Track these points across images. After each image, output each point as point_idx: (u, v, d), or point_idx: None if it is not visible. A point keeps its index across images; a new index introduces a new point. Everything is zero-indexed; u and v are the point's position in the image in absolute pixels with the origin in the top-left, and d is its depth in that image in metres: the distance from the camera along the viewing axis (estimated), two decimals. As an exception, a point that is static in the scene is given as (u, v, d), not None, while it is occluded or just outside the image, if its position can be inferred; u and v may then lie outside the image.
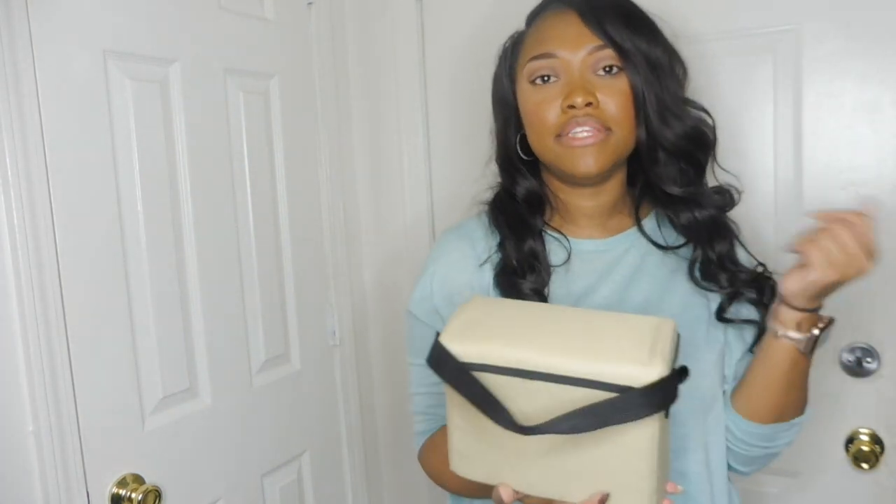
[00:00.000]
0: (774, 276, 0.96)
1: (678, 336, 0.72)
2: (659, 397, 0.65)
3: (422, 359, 0.99)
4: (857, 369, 1.30)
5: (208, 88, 1.28)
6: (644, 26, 0.91)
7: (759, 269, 0.98)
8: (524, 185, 0.99)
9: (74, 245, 1.06)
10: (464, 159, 1.53)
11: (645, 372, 0.65)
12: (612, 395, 0.65)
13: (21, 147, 0.99)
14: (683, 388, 0.85)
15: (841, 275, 0.78)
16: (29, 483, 1.02)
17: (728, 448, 0.96)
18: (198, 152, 1.26)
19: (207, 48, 1.28)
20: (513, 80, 0.97)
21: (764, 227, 1.33)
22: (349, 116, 1.65)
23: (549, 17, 0.93)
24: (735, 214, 1.00)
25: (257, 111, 1.40)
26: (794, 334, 0.85)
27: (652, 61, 0.89)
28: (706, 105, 0.97)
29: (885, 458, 1.29)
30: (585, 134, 0.87)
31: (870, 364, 1.29)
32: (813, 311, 0.85)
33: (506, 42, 1.00)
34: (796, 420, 0.92)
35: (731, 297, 0.94)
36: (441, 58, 1.57)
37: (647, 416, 0.65)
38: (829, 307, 1.30)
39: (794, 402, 0.91)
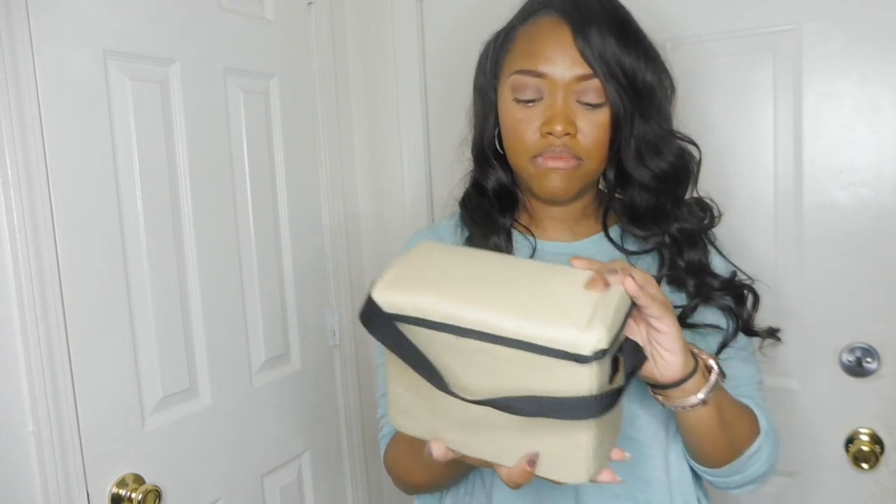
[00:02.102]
0: (753, 283, 0.94)
1: (630, 303, 0.69)
2: (603, 405, 0.63)
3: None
4: (857, 369, 1.30)
5: (208, 88, 1.28)
6: (634, 42, 0.89)
7: (737, 276, 0.95)
8: (495, 178, 0.98)
9: (74, 245, 1.06)
10: (464, 159, 1.53)
11: (582, 337, 0.62)
12: (546, 357, 0.63)
13: (21, 147, 0.99)
14: (646, 397, 0.84)
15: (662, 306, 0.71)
16: (29, 483, 1.02)
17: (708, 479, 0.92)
18: (198, 152, 1.26)
19: (207, 48, 1.28)
20: (496, 77, 0.96)
21: (764, 228, 1.33)
22: (349, 116, 1.65)
23: (541, 26, 0.90)
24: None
25: (257, 111, 1.40)
26: (691, 401, 0.77)
27: (638, 87, 0.88)
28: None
29: (885, 458, 1.29)
30: (557, 157, 0.87)
31: (870, 364, 1.29)
32: (691, 375, 0.75)
33: (498, 35, 0.97)
34: (755, 445, 0.86)
35: (696, 305, 0.91)
36: (441, 57, 1.57)
37: (587, 418, 0.63)
38: (827, 308, 1.31)
39: (738, 437, 0.85)
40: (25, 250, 0.99)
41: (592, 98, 0.87)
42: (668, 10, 1.34)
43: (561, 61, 0.87)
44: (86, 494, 1.07)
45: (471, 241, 0.96)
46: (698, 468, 0.90)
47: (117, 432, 1.12)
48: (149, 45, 1.17)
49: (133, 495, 1.12)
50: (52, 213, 1.03)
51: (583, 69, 0.86)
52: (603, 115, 0.87)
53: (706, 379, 0.77)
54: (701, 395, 0.76)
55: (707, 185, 0.98)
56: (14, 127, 0.98)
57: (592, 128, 0.87)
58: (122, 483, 1.12)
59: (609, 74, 0.86)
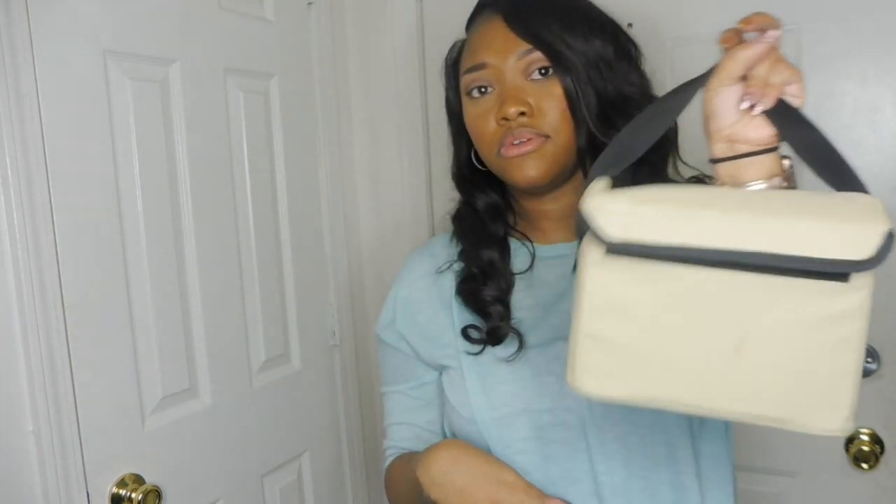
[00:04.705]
0: None
1: None
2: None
3: (395, 385, 0.98)
4: (857, 369, 1.30)
5: (208, 88, 1.28)
6: (577, 20, 0.85)
7: None
8: (482, 199, 0.95)
9: (74, 245, 1.06)
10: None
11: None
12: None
13: (21, 147, 0.99)
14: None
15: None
16: (29, 483, 1.02)
17: None
18: (198, 152, 1.26)
19: (207, 48, 1.28)
20: (458, 94, 0.94)
21: (764, 227, 1.33)
22: (349, 116, 1.65)
23: (479, 26, 0.89)
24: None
25: (257, 111, 1.40)
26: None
27: (591, 58, 0.84)
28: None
29: (885, 458, 1.30)
30: (520, 142, 0.83)
31: (870, 364, 1.29)
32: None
33: (447, 56, 0.97)
34: None
35: None
36: (441, 58, 1.57)
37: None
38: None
39: None
40: (25, 250, 0.99)
41: (540, 64, 0.83)
42: (668, 10, 1.34)
43: (498, 46, 0.85)
44: (86, 494, 1.07)
45: (464, 255, 0.93)
46: None
47: (117, 432, 1.12)
48: (149, 45, 1.17)
49: (133, 495, 1.12)
50: (52, 213, 1.03)
51: (522, 46, 0.84)
52: (555, 85, 0.83)
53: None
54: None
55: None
56: (14, 127, 0.98)
57: (548, 100, 0.83)
58: (122, 483, 1.12)
59: (549, 45, 0.83)
